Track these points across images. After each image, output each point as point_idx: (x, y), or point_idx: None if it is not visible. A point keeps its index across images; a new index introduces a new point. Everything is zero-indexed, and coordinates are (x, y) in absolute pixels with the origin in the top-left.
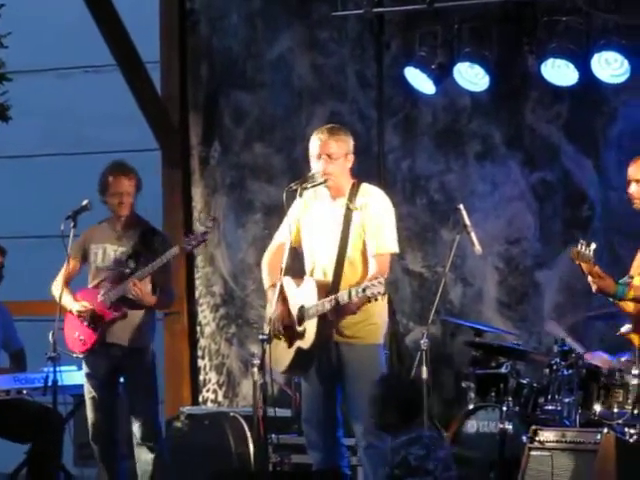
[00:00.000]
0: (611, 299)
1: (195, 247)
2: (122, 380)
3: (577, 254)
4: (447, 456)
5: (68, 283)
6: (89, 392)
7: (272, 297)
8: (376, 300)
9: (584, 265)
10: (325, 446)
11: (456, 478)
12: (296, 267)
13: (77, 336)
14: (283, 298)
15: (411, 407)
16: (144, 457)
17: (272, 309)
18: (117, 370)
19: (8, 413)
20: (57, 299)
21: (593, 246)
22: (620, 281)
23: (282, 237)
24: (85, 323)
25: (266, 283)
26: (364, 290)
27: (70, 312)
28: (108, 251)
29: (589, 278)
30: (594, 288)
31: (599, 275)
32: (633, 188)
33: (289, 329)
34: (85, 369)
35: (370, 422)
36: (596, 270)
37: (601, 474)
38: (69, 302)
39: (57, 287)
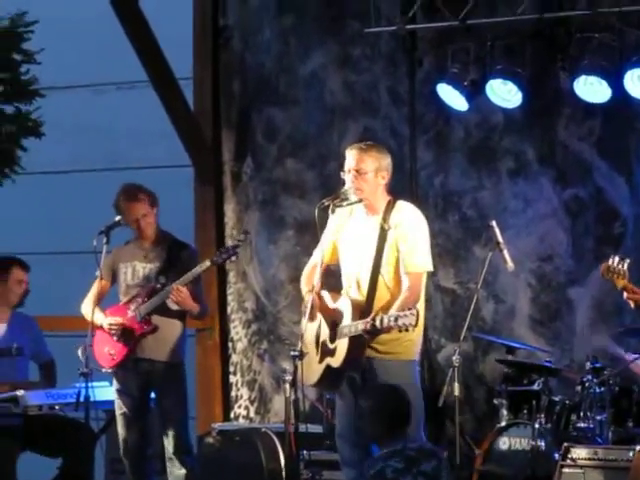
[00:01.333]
0: None
1: (226, 260)
2: (153, 395)
3: (607, 270)
4: (435, 470)
5: (98, 303)
6: (120, 408)
7: (304, 312)
8: (407, 331)
9: (618, 281)
10: (358, 462)
11: None
12: (332, 283)
13: (107, 351)
14: (324, 309)
15: (396, 418)
16: (176, 472)
17: (304, 324)
18: (148, 385)
19: (41, 428)
20: (87, 317)
21: (627, 261)
22: None
23: (317, 257)
24: (115, 338)
25: (306, 301)
26: (396, 320)
27: (100, 327)
28: (137, 269)
29: (624, 294)
30: (632, 304)
31: (634, 291)
32: None
33: (322, 344)
34: (115, 385)
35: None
36: (632, 287)
37: None
38: (100, 318)
39: (87, 305)
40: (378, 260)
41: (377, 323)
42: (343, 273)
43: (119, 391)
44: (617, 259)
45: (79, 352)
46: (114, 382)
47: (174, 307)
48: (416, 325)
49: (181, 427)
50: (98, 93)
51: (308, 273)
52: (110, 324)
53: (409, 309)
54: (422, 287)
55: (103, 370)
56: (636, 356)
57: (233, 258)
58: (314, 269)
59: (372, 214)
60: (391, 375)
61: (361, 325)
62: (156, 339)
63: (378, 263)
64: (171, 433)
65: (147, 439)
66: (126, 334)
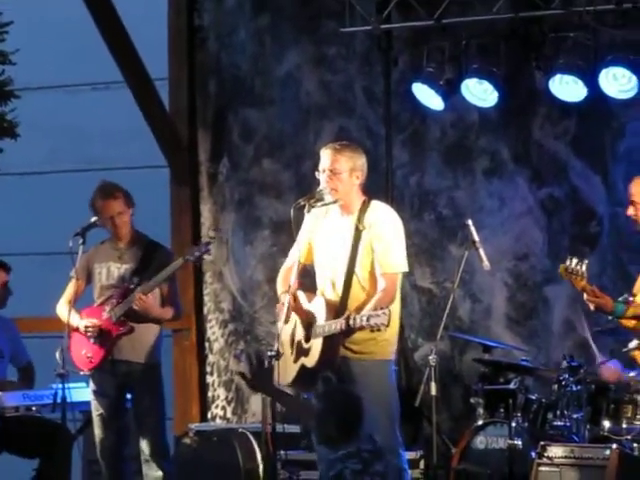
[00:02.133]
0: (610, 317)
1: (199, 258)
2: (129, 396)
3: (565, 271)
4: (386, 470)
5: (73, 304)
6: (96, 409)
7: (280, 314)
8: (379, 330)
9: (576, 282)
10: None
11: None
12: (308, 283)
13: (84, 354)
14: (299, 310)
15: (348, 420)
16: (152, 474)
17: (280, 325)
18: (124, 387)
19: (17, 429)
20: (63, 318)
21: (586, 262)
22: (619, 299)
23: (294, 257)
24: (92, 340)
25: (281, 302)
26: (368, 319)
27: (76, 330)
28: (112, 269)
29: (584, 296)
30: (591, 306)
31: (595, 293)
32: (631, 211)
33: (298, 344)
34: (92, 386)
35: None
36: (591, 288)
37: None
38: (76, 320)
39: (62, 306)
40: (352, 260)
41: (350, 322)
42: (317, 273)
43: (96, 392)
44: (575, 260)
45: (57, 354)
46: (90, 383)
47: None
48: (388, 325)
49: (158, 429)
50: (73, 94)
51: (284, 273)
52: (86, 326)
53: (381, 309)
54: (397, 288)
55: (81, 373)
56: (605, 360)
57: (206, 256)
58: (290, 269)
59: (347, 214)
60: (367, 375)
61: (334, 325)
62: (133, 340)
63: (352, 263)
64: (147, 435)
65: (124, 440)
66: (102, 336)
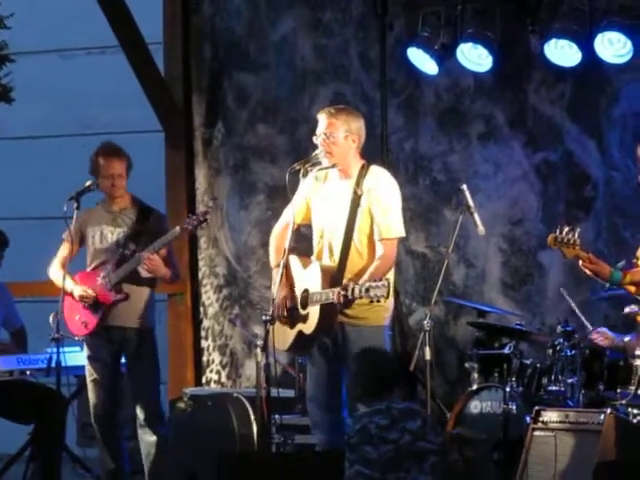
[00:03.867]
0: (607, 284)
1: (196, 227)
2: (124, 361)
3: (554, 240)
4: (420, 429)
5: (65, 266)
6: (90, 374)
7: (276, 277)
8: (378, 302)
9: (567, 251)
10: (329, 426)
11: (432, 451)
12: (303, 247)
13: (78, 319)
14: (288, 278)
15: (383, 379)
16: (147, 439)
17: (276, 290)
18: (119, 352)
19: (11, 394)
20: (57, 282)
21: (578, 230)
22: (616, 265)
23: (288, 217)
24: (86, 306)
25: (272, 262)
26: (367, 290)
27: (70, 295)
28: (105, 233)
29: (580, 263)
30: (589, 272)
31: (590, 260)
32: None
33: (292, 310)
34: (87, 352)
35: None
36: (587, 255)
37: (603, 454)
38: (69, 285)
39: (55, 269)
40: (350, 225)
41: (348, 293)
42: (315, 237)
43: (90, 358)
44: (566, 228)
45: (50, 318)
46: (85, 349)
47: (145, 274)
48: (387, 296)
49: (152, 394)
50: (68, 58)
51: (278, 233)
52: (81, 296)
53: (380, 280)
54: (395, 253)
55: (76, 338)
56: (595, 329)
57: (203, 225)
58: (285, 230)
59: (345, 178)
60: (363, 340)
61: (332, 295)
62: (127, 306)
63: (350, 228)
64: (142, 400)
65: (117, 405)
66: (97, 302)
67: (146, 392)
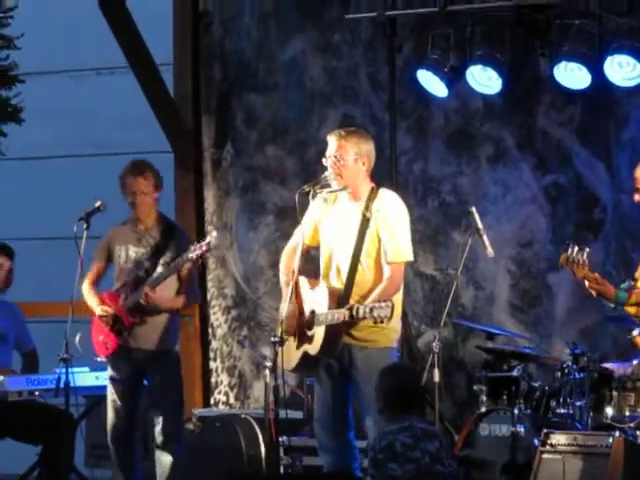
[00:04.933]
0: (612, 304)
1: (201, 257)
2: (146, 382)
3: (566, 260)
4: (439, 451)
5: (95, 284)
6: (111, 394)
7: (285, 296)
8: (382, 322)
9: (577, 270)
10: (336, 448)
11: (446, 475)
12: (311, 268)
13: (102, 340)
14: (297, 296)
15: (413, 397)
16: (164, 460)
17: (284, 309)
18: (141, 373)
19: (20, 414)
20: (86, 301)
21: (587, 250)
22: (621, 286)
23: (297, 238)
24: (107, 327)
25: (282, 282)
26: (371, 311)
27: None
28: (130, 252)
29: (586, 283)
30: (594, 294)
31: (597, 280)
32: (638, 197)
33: (299, 329)
34: (110, 372)
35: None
36: (594, 276)
37: (611, 477)
38: (94, 305)
39: (85, 289)
40: (359, 248)
41: (354, 313)
42: (322, 259)
43: (111, 378)
44: (576, 248)
45: (76, 339)
46: (108, 369)
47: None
48: (391, 317)
49: (170, 415)
50: (78, 78)
51: (288, 255)
52: (100, 315)
53: (384, 301)
54: (402, 277)
55: (98, 359)
56: None
57: (207, 255)
58: (294, 251)
59: (355, 201)
60: (370, 362)
61: (337, 315)
62: (147, 328)
63: (358, 251)
64: (161, 421)
65: (136, 426)
66: (118, 323)
67: (164, 413)
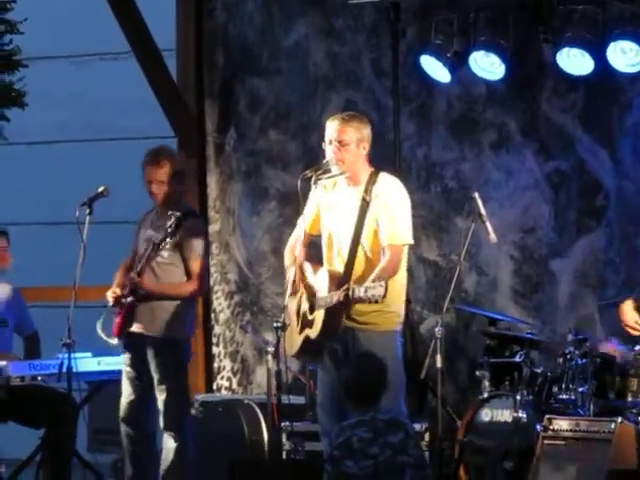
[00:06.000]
0: None
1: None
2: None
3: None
4: (401, 442)
5: (130, 268)
6: (124, 376)
7: (287, 286)
8: (376, 302)
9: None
10: None
11: (411, 465)
12: (316, 254)
13: (116, 321)
14: (303, 281)
15: (366, 387)
16: (168, 445)
17: (286, 296)
18: (144, 359)
19: (23, 399)
20: None
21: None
22: None
23: (300, 229)
24: (118, 308)
25: (289, 275)
26: (366, 291)
27: None
28: (147, 236)
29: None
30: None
31: None
32: None
33: (303, 315)
34: (125, 352)
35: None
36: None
37: (614, 462)
38: (113, 286)
39: (119, 270)
40: (358, 231)
41: (349, 294)
42: (324, 244)
43: (125, 361)
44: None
45: (98, 326)
46: (123, 350)
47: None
48: (384, 297)
49: (171, 403)
50: (81, 64)
51: (292, 245)
52: (108, 295)
53: (379, 280)
54: (401, 260)
55: (115, 342)
56: (603, 338)
57: (212, 228)
58: (297, 241)
59: (354, 185)
60: (373, 346)
61: (335, 296)
62: (150, 314)
63: (358, 234)
64: (162, 408)
65: (146, 411)
66: (121, 305)
67: (164, 400)
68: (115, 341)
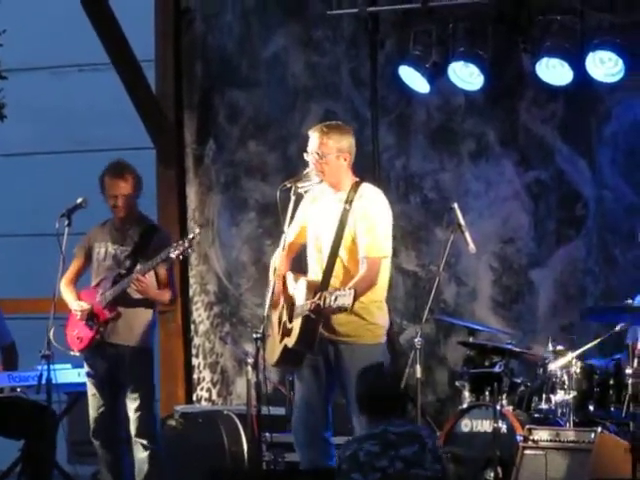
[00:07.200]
0: None
1: (182, 253)
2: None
3: None
4: (416, 455)
5: (75, 282)
6: (90, 389)
7: (268, 296)
8: (345, 311)
9: None
10: (311, 445)
11: (426, 478)
12: (297, 264)
13: (75, 334)
14: (285, 289)
15: (379, 401)
16: (139, 455)
17: (266, 307)
18: (114, 369)
19: (2, 410)
20: (63, 297)
21: None
22: None
23: (288, 237)
24: (82, 322)
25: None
26: (336, 299)
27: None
28: (109, 250)
29: None
30: None
31: None
32: None
33: (283, 325)
34: (86, 368)
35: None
36: None
37: (594, 473)
38: (70, 301)
39: (62, 285)
40: (337, 240)
41: (320, 302)
42: (308, 252)
43: (88, 373)
44: None
45: (50, 334)
46: (85, 365)
47: (136, 296)
48: (353, 304)
49: (144, 412)
50: (60, 75)
51: (276, 256)
52: (75, 310)
53: (349, 289)
54: (379, 272)
55: (71, 353)
56: None
57: (189, 252)
58: (284, 251)
59: (337, 194)
60: (356, 359)
61: (308, 304)
62: (123, 324)
63: (337, 243)
64: (134, 417)
65: (118, 420)
66: (93, 318)
67: (137, 409)
68: (76, 352)
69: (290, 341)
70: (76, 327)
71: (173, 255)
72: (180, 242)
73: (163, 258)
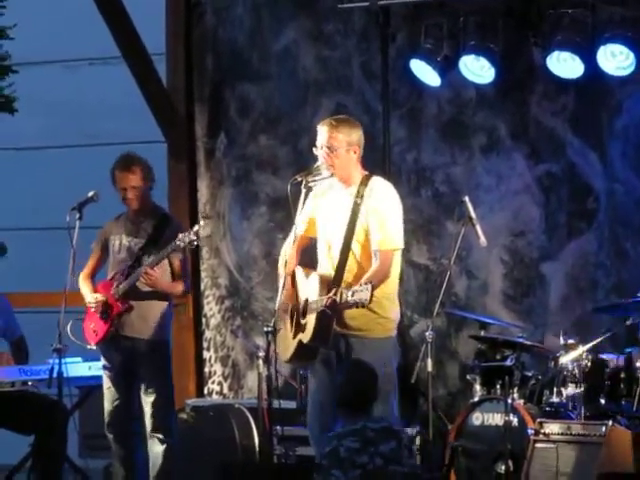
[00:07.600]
0: None
1: (188, 245)
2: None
3: None
4: (393, 451)
5: (93, 275)
6: (106, 383)
7: (280, 289)
8: (363, 307)
9: None
10: (323, 440)
11: (403, 474)
12: (308, 258)
13: (92, 327)
14: (294, 284)
15: (357, 395)
16: (154, 449)
17: (277, 301)
18: (130, 362)
19: (13, 405)
20: (82, 292)
21: None
22: None
23: (296, 229)
24: (97, 315)
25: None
26: (353, 294)
27: None
28: (124, 242)
29: None
30: None
31: None
32: None
33: (296, 319)
34: (102, 361)
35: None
36: None
37: (604, 466)
38: (86, 294)
39: (80, 280)
40: (349, 234)
41: (337, 298)
42: (318, 247)
43: (104, 367)
44: None
45: (67, 328)
46: (101, 358)
47: (146, 289)
48: (370, 301)
49: (159, 405)
50: (71, 69)
51: (286, 250)
52: (89, 302)
53: (365, 284)
54: (392, 264)
55: (88, 347)
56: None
57: (194, 244)
58: (293, 246)
59: (347, 188)
60: (367, 353)
61: (324, 300)
62: (137, 316)
63: (349, 237)
64: (149, 411)
65: (131, 414)
66: (107, 311)
67: (153, 403)
68: (93, 346)
69: (305, 337)
70: (92, 320)
71: (178, 246)
72: (186, 234)
73: (169, 251)
